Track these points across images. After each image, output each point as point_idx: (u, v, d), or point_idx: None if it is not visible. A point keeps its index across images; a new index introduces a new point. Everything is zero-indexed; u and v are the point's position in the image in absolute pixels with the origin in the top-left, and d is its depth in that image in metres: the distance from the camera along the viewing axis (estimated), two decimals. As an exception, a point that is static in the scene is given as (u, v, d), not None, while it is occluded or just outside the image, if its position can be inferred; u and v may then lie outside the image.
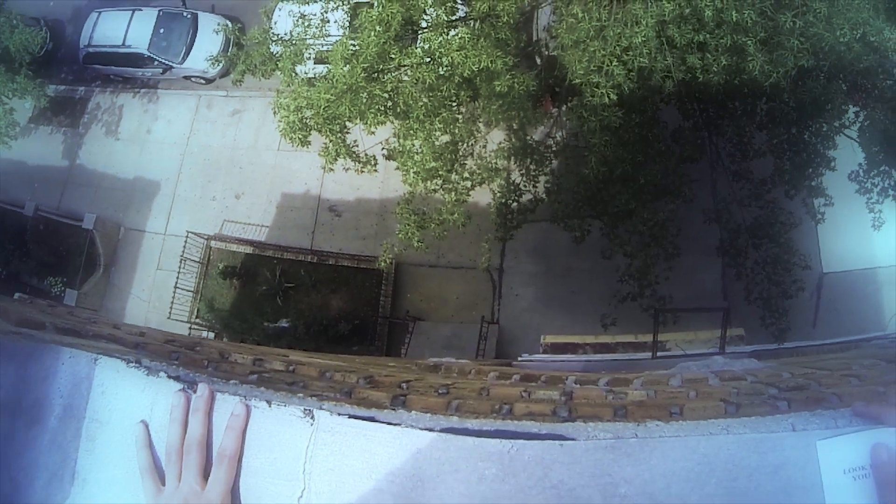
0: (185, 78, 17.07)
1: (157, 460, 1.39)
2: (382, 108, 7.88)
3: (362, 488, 1.30)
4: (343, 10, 8.53)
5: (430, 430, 1.31)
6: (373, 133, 8.40)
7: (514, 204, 9.15)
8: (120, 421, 1.43)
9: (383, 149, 9.25)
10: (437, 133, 8.26)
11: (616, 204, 7.92)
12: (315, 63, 8.99)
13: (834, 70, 7.43)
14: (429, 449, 1.30)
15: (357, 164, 8.84)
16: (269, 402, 1.40)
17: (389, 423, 1.36)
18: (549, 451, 1.27)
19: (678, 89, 7.62)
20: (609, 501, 1.24)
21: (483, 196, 9.76)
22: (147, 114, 17.53)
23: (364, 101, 7.61)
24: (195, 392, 1.42)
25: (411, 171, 8.31)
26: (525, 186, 9.14)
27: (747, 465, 1.27)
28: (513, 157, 8.95)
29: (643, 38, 6.58)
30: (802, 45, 6.59)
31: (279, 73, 8.86)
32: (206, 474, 1.37)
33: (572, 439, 1.27)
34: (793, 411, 1.36)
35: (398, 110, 8.00)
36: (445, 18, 7.33)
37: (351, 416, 1.37)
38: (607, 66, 6.65)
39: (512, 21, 7.10)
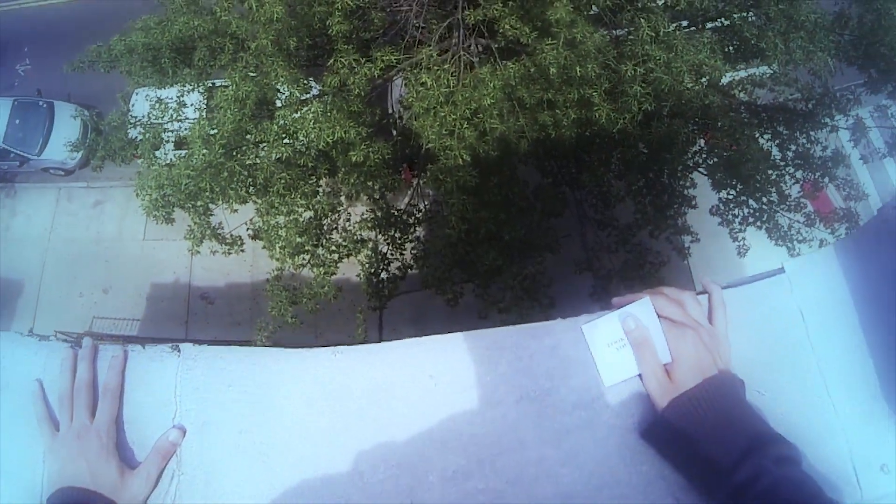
0: (44, 170, 16.69)
1: (52, 412, 1.61)
2: (243, 185, 8.09)
3: (221, 399, 1.61)
4: (199, 92, 8.76)
5: (275, 346, 1.69)
6: (236, 211, 8.61)
7: (384, 273, 9.41)
8: (16, 383, 1.64)
9: (248, 228, 9.38)
10: (300, 209, 8.49)
11: (484, 263, 8.28)
12: (174, 148, 9.08)
13: (677, 109, 8.06)
14: (273, 360, 1.67)
15: (223, 245, 8.96)
16: (143, 346, 1.69)
17: (239, 344, 1.73)
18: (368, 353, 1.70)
19: (534, 148, 8.10)
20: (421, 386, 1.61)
21: (353, 268, 9.99)
22: (4, 209, 17.01)
23: (224, 177, 7.81)
24: (81, 347, 1.68)
25: (277, 246, 8.52)
26: (392, 255, 9.44)
27: (528, 347, 1.62)
28: (377, 228, 9.25)
29: (492, 100, 7.01)
30: (645, 90, 7.11)
31: (139, 159, 8.97)
32: (94, 412, 1.59)
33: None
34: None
35: (258, 186, 8.22)
36: (299, 96, 7.63)
37: (209, 343, 1.71)
38: (459, 129, 7.04)
39: (363, 93, 7.43)
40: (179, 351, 1.68)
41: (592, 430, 1.56)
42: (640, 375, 1.59)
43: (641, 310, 1.61)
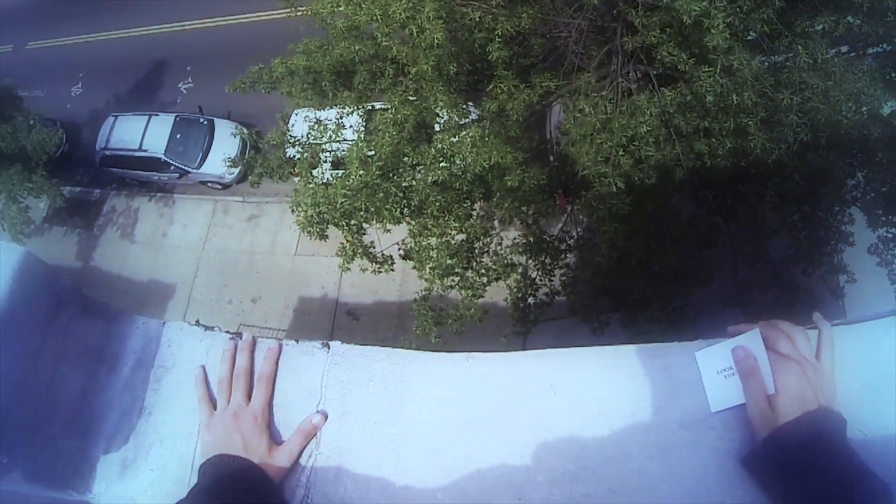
0: (202, 183, 17.79)
1: (211, 394, 1.90)
2: (398, 206, 8.35)
3: (362, 392, 1.85)
4: (358, 114, 9.04)
5: (416, 350, 1.92)
6: (389, 231, 8.87)
7: (531, 299, 9.51)
8: (182, 365, 1.95)
9: (399, 249, 9.64)
10: (453, 231, 8.71)
11: (633, 292, 8.28)
12: (332, 168, 9.41)
13: (834, 140, 7.87)
14: (411, 361, 1.90)
15: (374, 264, 9.21)
16: (296, 341, 1.96)
17: (381, 346, 1.95)
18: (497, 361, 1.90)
19: (689, 177, 8.06)
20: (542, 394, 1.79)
21: (500, 292, 10.10)
22: (163, 218, 18.25)
23: (380, 198, 8.06)
24: (241, 339, 1.97)
25: (427, 266, 8.74)
26: (541, 280, 9.53)
27: (643, 366, 1.78)
28: (528, 253, 9.37)
29: (648, 128, 7.10)
30: (801, 119, 7.02)
31: (296, 177, 9.38)
32: (250, 396, 1.88)
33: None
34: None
35: (413, 207, 8.47)
36: (458, 120, 7.84)
37: (355, 344, 1.95)
38: (614, 156, 7.14)
39: (521, 119, 7.58)
40: (329, 347, 1.94)
41: (695, 451, 1.65)
42: (744, 404, 1.67)
43: (751, 340, 1.70)
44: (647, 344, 1.83)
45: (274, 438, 1.85)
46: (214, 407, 1.89)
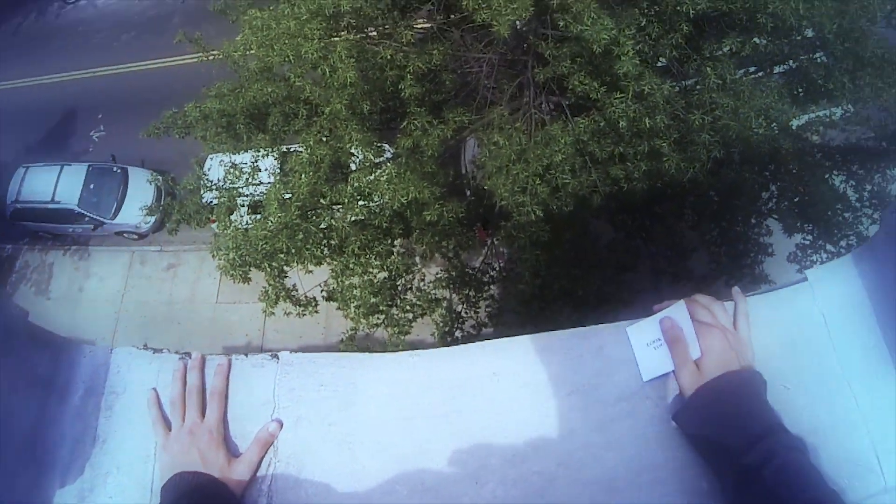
0: (118, 234, 17.49)
1: (165, 415, 1.93)
2: (318, 245, 8.40)
3: (314, 397, 1.92)
4: (273, 157, 9.08)
5: (362, 352, 2.02)
6: (311, 272, 8.86)
7: (458, 332, 9.59)
8: (133, 390, 1.97)
9: (322, 290, 9.65)
10: (375, 269, 8.79)
11: (558, 319, 8.42)
12: (249, 212, 9.40)
13: (747, 155, 8.21)
14: (359, 364, 1.99)
15: (298, 307, 9.22)
16: (245, 355, 2.02)
17: (328, 351, 2.05)
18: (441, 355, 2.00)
19: (606, 202, 8.28)
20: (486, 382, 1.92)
21: (427, 328, 10.14)
22: (78, 272, 17.82)
23: (300, 238, 8.14)
24: (191, 358, 2.00)
25: (352, 306, 8.77)
26: (467, 314, 9.64)
27: (577, 347, 1.91)
28: (452, 287, 9.50)
29: (563, 156, 7.28)
30: (713, 138, 7.29)
31: (213, 224, 9.32)
32: (204, 412, 1.91)
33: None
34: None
35: (333, 247, 8.54)
36: (373, 159, 7.97)
37: (303, 352, 2.03)
38: (531, 185, 7.29)
39: (436, 154, 7.71)
40: (278, 358, 2.01)
41: (633, 420, 1.81)
42: (673, 371, 1.83)
43: (677, 312, 1.87)
44: (580, 327, 1.97)
45: (232, 451, 1.89)
46: (169, 428, 1.92)
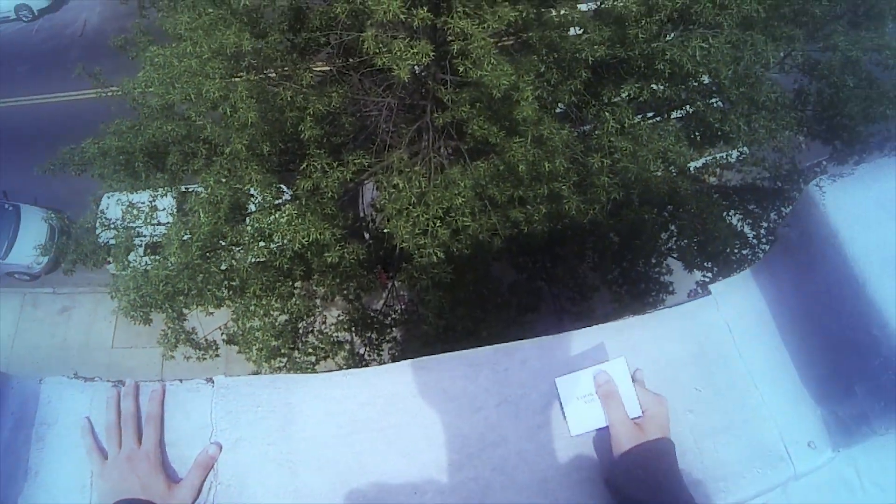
0: (9, 275, 16.85)
1: (100, 443, 1.90)
2: (219, 287, 8.37)
3: (252, 418, 1.97)
4: (172, 196, 9.08)
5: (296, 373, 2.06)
6: (211, 314, 8.82)
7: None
8: (65, 420, 1.95)
9: (222, 333, 9.58)
10: (276, 312, 8.76)
11: (462, 362, 8.51)
12: (147, 253, 9.27)
13: (646, 197, 8.48)
14: (294, 384, 2.06)
15: (198, 350, 9.12)
16: (181, 381, 2.04)
17: (265, 374, 2.16)
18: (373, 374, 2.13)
19: (507, 245, 8.48)
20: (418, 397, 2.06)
21: (330, 370, 10.07)
22: (-34, 315, 17.16)
23: (201, 279, 8.12)
24: (124, 385, 1.99)
25: (254, 349, 8.72)
26: (370, 356, 9.71)
27: (502, 362, 2.11)
28: (354, 329, 9.56)
29: (463, 200, 7.46)
30: (612, 180, 7.58)
31: (110, 265, 9.22)
32: (140, 439, 1.91)
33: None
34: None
35: (234, 288, 8.52)
36: (272, 200, 8.00)
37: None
38: (432, 228, 7.45)
39: (336, 196, 7.82)
40: (213, 382, 2.05)
41: (561, 425, 1.95)
42: (603, 427, 1.92)
43: (616, 368, 1.95)
44: (502, 344, 2.14)
45: (172, 477, 1.90)
46: (106, 456, 1.90)
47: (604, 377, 1.93)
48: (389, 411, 2.01)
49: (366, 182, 9.63)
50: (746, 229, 9.76)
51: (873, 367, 1.82)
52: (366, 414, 2.00)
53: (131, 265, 8.83)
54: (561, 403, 1.93)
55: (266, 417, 1.98)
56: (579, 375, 1.94)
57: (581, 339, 2.16)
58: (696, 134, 9.12)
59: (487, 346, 2.13)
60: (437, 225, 7.49)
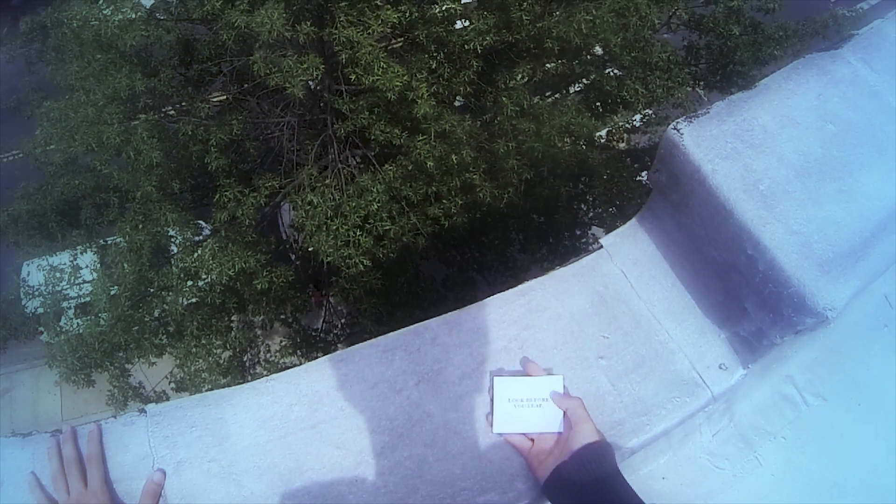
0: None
1: (49, 495, 1.96)
2: (155, 334, 8.58)
3: (189, 439, 2.05)
4: (92, 251, 9.17)
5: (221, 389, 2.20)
6: (154, 364, 8.93)
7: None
8: (10, 479, 1.99)
9: (170, 382, 9.74)
10: (218, 350, 8.96)
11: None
12: (78, 315, 9.34)
13: (558, 172, 8.84)
14: (222, 399, 2.14)
15: (149, 404, 9.12)
16: (115, 416, 2.12)
17: (197, 393, 2.26)
18: (295, 374, 2.23)
19: (432, 242, 8.80)
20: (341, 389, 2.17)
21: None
22: None
23: (136, 330, 8.28)
24: (62, 433, 2.07)
25: (203, 390, 8.85)
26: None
27: (414, 342, 2.25)
28: (298, 352, 9.81)
29: (378, 205, 7.73)
30: (521, 161, 7.82)
31: (42, 335, 9.36)
32: (86, 481, 1.97)
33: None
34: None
35: (171, 332, 8.72)
36: (192, 237, 8.23)
37: (168, 400, 2.31)
38: (353, 237, 7.68)
39: (253, 223, 8.04)
40: (146, 412, 2.14)
41: (481, 392, 2.10)
42: (522, 434, 2.01)
43: (553, 383, 2.04)
44: (412, 325, 2.27)
45: None
46: None
47: (558, 394, 2.03)
48: (317, 408, 2.09)
49: (282, 204, 9.80)
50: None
51: (756, 283, 2.01)
52: (295, 414, 2.08)
53: (64, 330, 8.97)
54: (492, 400, 2.04)
55: (202, 436, 2.05)
56: (517, 380, 2.05)
57: (486, 309, 2.31)
58: (597, 104, 9.46)
59: (398, 330, 2.25)
60: (358, 234, 7.68)
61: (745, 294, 2.10)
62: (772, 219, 1.97)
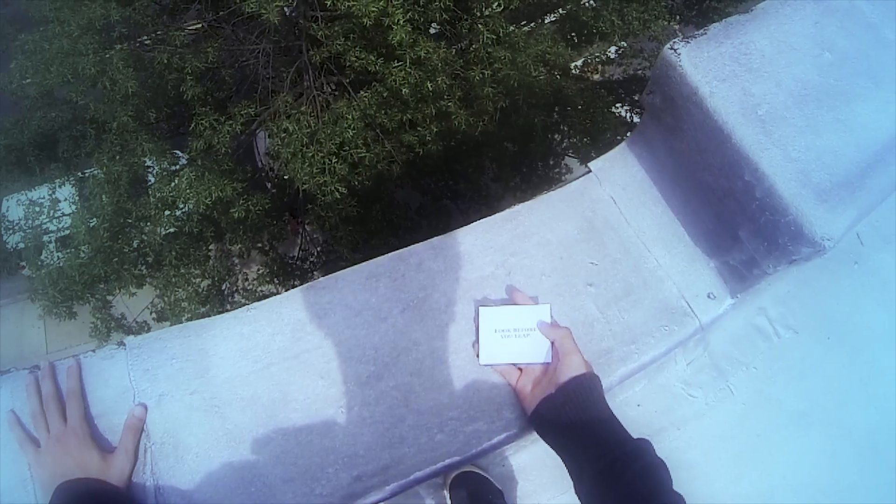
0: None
1: (29, 433, 1.87)
2: (135, 265, 8.47)
3: (170, 371, 1.97)
4: (70, 184, 9.01)
5: (204, 317, 2.09)
6: (135, 294, 8.84)
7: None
8: None
9: (151, 312, 9.68)
10: (197, 279, 8.89)
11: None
12: (58, 248, 9.17)
13: (533, 101, 8.65)
14: (202, 329, 2.04)
15: (131, 335, 9.06)
16: (93, 351, 2.02)
17: (178, 323, 2.15)
18: (276, 302, 2.13)
19: (407, 170, 8.67)
20: (324, 317, 2.10)
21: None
22: None
23: (116, 262, 8.18)
24: (40, 369, 1.98)
25: (184, 319, 8.80)
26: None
27: (399, 268, 2.15)
28: (276, 280, 9.73)
29: (354, 132, 7.59)
30: (496, 90, 7.71)
31: (24, 269, 9.23)
32: (66, 418, 1.89)
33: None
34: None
35: (150, 262, 8.62)
36: (169, 167, 8.05)
37: (150, 331, 2.21)
38: (328, 165, 7.56)
39: (229, 151, 7.88)
40: (125, 345, 2.05)
41: (467, 319, 2.03)
42: (511, 364, 1.94)
43: (540, 312, 1.96)
44: (397, 251, 2.17)
45: (106, 447, 1.86)
46: (38, 444, 1.85)
47: (545, 323, 1.95)
48: (300, 336, 2.02)
49: (257, 132, 9.67)
50: (634, 118, 10.08)
51: (751, 211, 1.94)
52: (278, 344, 2.01)
53: (45, 264, 8.87)
54: (477, 330, 1.99)
55: (183, 368, 1.97)
56: (503, 310, 1.99)
57: (472, 234, 2.23)
58: (573, 34, 9.32)
59: (383, 256, 2.16)
60: (334, 161, 7.58)
61: (740, 222, 2.04)
62: (770, 145, 1.88)
